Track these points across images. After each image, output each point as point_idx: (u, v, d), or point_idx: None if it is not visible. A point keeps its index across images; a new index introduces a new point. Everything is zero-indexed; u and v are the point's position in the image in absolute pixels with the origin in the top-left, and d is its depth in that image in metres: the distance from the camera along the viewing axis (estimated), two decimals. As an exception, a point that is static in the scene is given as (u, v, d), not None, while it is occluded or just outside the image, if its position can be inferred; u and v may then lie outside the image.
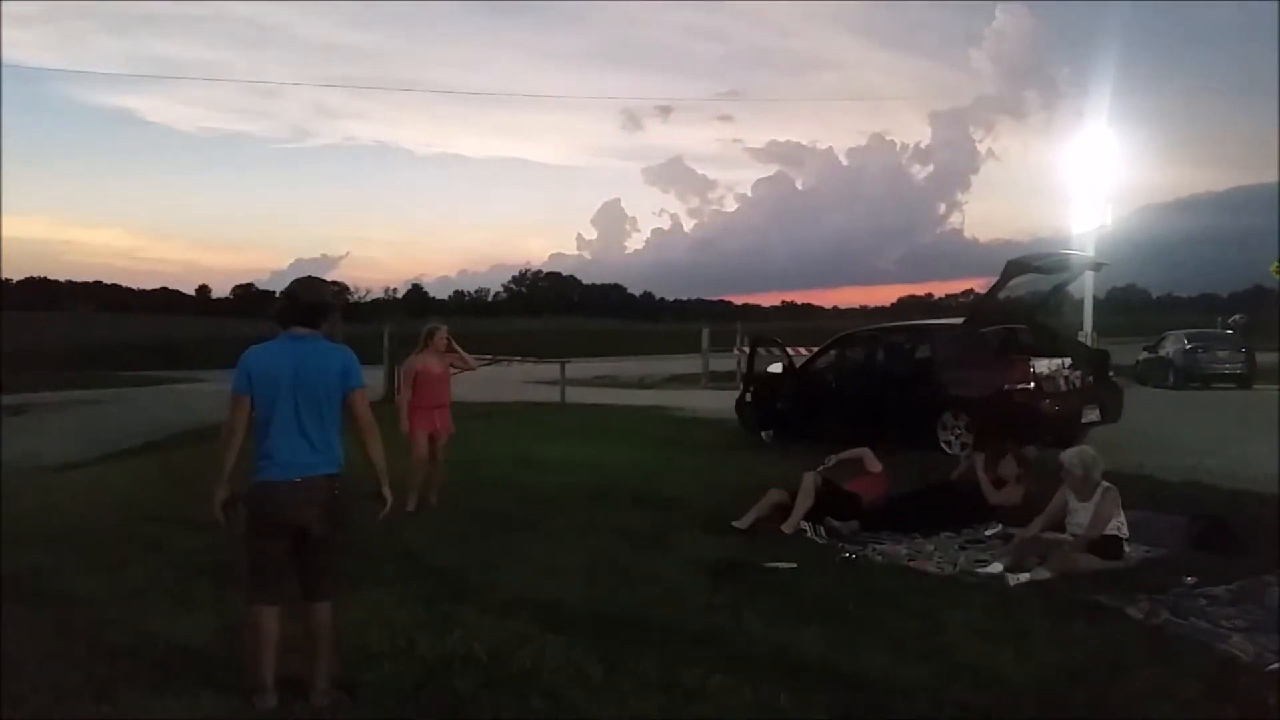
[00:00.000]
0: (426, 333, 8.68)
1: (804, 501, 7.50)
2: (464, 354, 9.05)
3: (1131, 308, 76.40)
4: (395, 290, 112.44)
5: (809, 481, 7.63)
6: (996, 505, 7.61)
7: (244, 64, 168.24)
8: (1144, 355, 26.10)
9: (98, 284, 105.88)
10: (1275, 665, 4.36)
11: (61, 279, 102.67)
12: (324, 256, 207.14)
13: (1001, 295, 11.93)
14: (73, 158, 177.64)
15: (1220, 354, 23.84)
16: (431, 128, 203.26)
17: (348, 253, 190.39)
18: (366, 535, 7.23)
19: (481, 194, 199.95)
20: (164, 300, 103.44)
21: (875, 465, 8.22)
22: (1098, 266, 15.03)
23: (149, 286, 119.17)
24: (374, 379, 20.33)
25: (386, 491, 4.26)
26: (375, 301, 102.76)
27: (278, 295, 4.32)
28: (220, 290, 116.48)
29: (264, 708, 3.94)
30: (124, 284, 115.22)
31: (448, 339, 8.72)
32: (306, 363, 4.12)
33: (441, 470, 8.58)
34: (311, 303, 4.22)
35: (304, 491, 4.01)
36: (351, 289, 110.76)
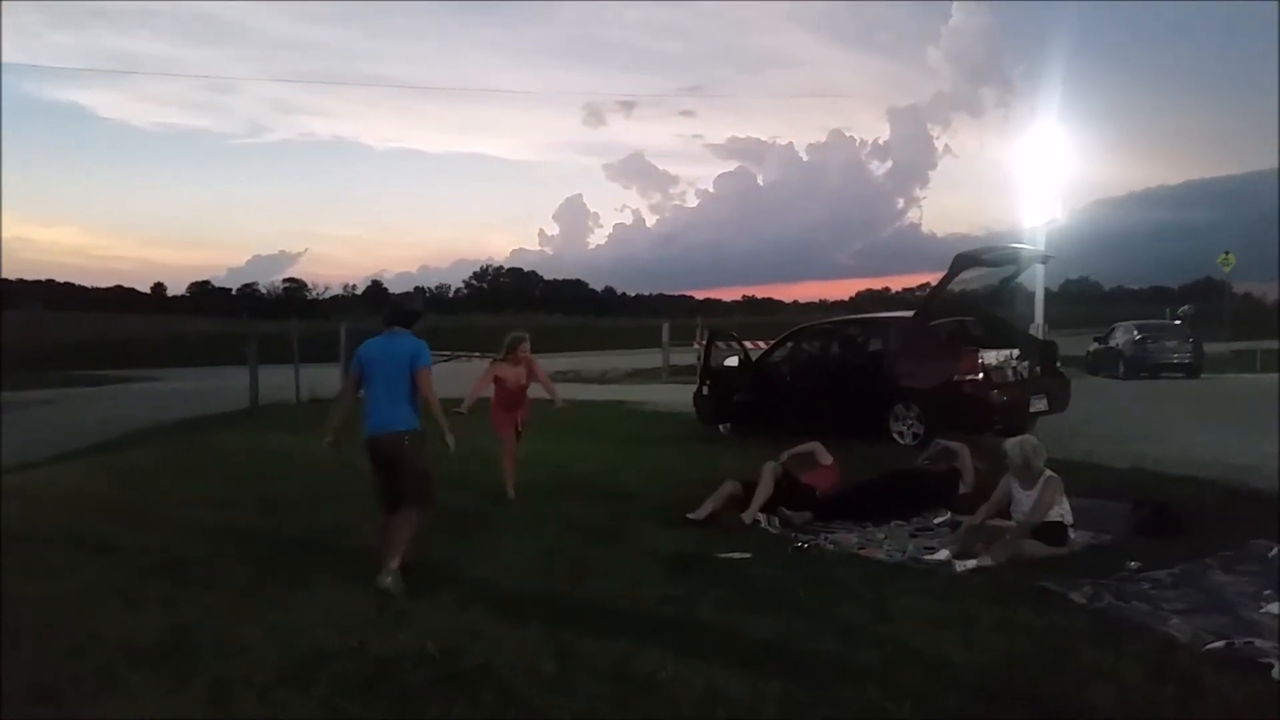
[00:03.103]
0: (511, 341, 8.81)
1: (764, 491, 7.56)
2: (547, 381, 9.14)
3: (1084, 299, 77.44)
4: (355, 287, 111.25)
5: (769, 471, 7.70)
6: (964, 495, 7.71)
7: (200, 59, 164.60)
8: (1094, 346, 26.51)
9: (51, 282, 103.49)
10: (1211, 645, 4.48)
11: (13, 277, 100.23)
12: (282, 253, 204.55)
13: (953, 288, 12.09)
14: (25, 153, 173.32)
15: (1169, 344, 24.28)
16: (391, 123, 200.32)
17: (306, 249, 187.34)
18: (320, 533, 7.27)
19: (442, 190, 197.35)
20: (119, 298, 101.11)
21: (826, 458, 8.31)
22: (1046, 259, 15.27)
23: (104, 284, 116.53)
24: (331, 377, 20.30)
25: (449, 439, 5.86)
26: (335, 298, 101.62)
27: (389, 303, 6.43)
28: (176, 288, 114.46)
29: (381, 584, 5.51)
30: (78, 282, 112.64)
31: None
32: (390, 351, 5.85)
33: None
34: (404, 310, 6.09)
35: (383, 442, 5.79)
36: (310, 285, 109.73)
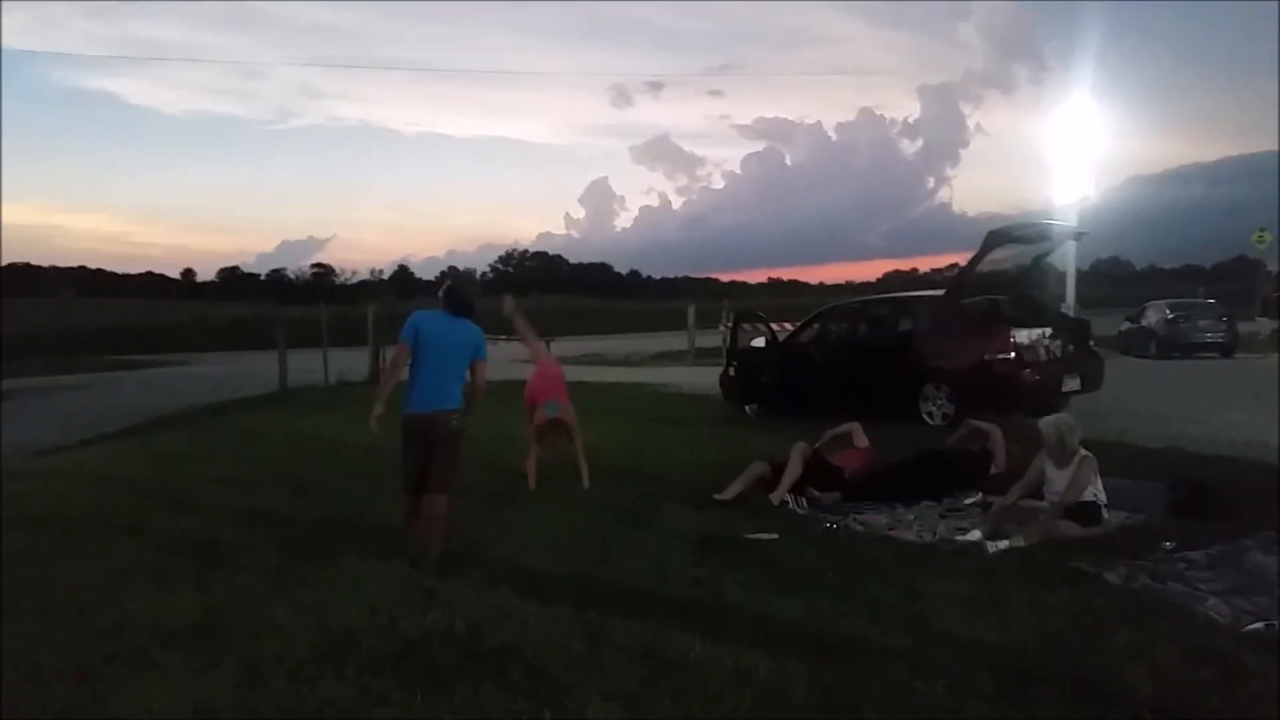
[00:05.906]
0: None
1: (792, 471, 7.52)
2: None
3: (1115, 279, 76.57)
4: (382, 271, 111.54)
5: (798, 452, 7.65)
6: (996, 475, 7.62)
7: (227, 45, 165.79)
8: (1126, 325, 26.22)
9: (83, 269, 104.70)
10: (1251, 626, 4.41)
11: (46, 264, 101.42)
12: (310, 238, 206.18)
13: (984, 267, 11.94)
14: (57, 142, 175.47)
15: (1202, 323, 23.98)
16: (417, 107, 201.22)
17: (334, 234, 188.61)
18: (349, 512, 7.30)
19: (469, 174, 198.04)
20: (149, 284, 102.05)
21: (863, 440, 8.24)
22: (1078, 236, 15.04)
23: (135, 271, 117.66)
24: (359, 360, 20.38)
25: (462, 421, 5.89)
26: (362, 283, 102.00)
27: (444, 284, 6.01)
28: (206, 274, 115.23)
29: (425, 574, 5.39)
30: (109, 268, 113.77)
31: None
32: (451, 336, 5.77)
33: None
34: (465, 298, 5.90)
35: (433, 420, 5.73)
36: (338, 270, 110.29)
